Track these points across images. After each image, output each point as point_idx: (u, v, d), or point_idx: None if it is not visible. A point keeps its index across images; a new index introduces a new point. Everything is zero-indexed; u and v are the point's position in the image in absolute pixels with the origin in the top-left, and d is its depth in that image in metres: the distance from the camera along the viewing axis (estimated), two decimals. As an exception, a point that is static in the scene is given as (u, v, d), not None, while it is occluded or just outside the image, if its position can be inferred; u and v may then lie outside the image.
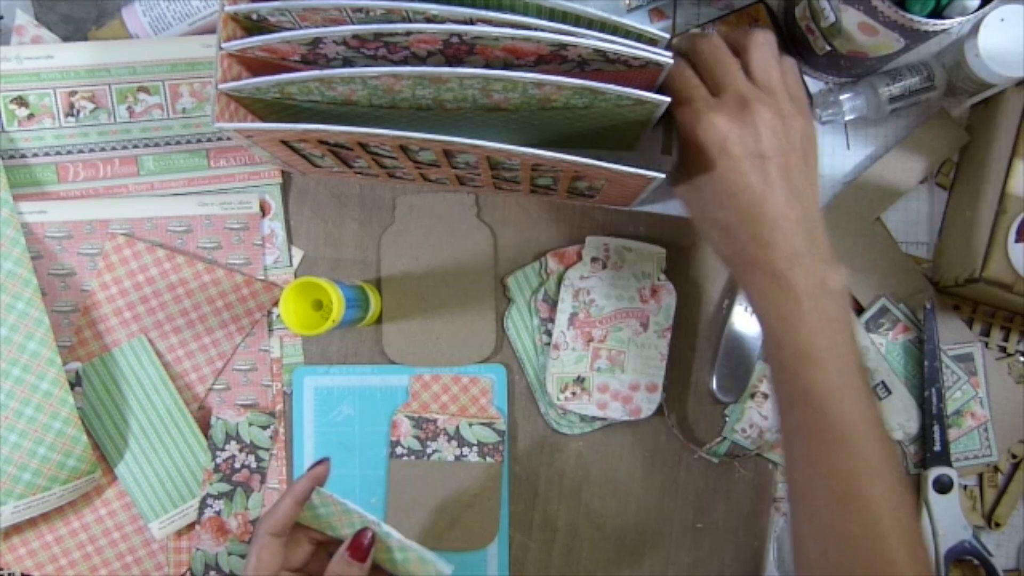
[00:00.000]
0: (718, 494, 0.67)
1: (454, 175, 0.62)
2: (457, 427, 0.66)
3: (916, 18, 0.54)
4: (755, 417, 0.67)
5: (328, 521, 0.52)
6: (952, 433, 0.66)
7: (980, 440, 0.66)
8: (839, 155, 0.68)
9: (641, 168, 0.54)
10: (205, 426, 0.66)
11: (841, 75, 0.67)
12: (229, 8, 0.53)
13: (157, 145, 0.67)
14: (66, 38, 0.67)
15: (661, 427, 0.67)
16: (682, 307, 0.67)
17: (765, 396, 0.67)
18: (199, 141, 0.67)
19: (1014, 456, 0.67)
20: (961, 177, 0.67)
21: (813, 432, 0.47)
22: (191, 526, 0.66)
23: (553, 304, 0.66)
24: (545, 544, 0.67)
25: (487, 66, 0.55)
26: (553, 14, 0.50)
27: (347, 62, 0.56)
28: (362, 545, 0.50)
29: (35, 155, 0.66)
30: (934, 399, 0.65)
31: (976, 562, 0.65)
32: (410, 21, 0.51)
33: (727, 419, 0.67)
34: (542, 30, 0.49)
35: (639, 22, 0.51)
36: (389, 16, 0.50)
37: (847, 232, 0.66)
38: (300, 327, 0.57)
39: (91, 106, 0.66)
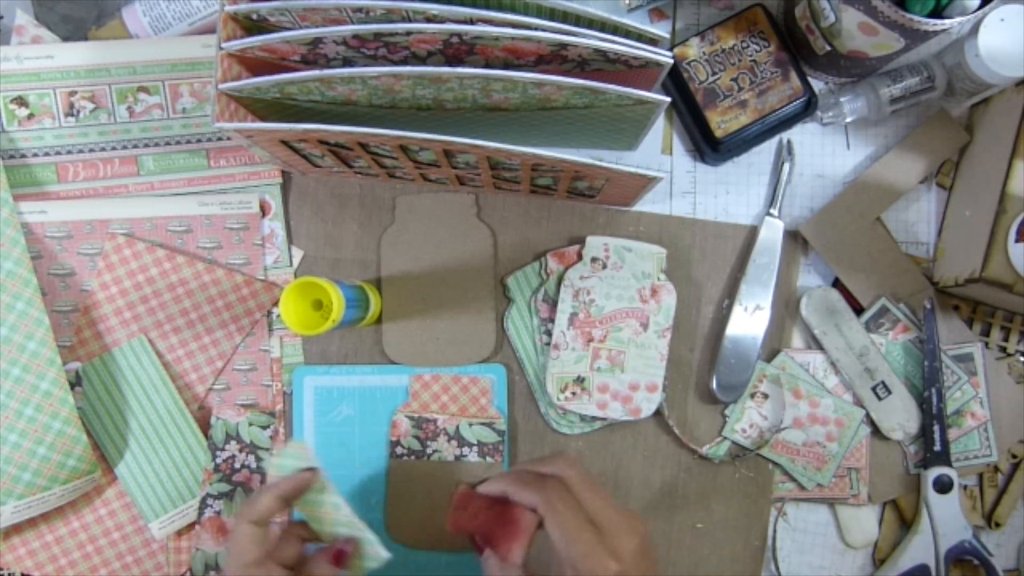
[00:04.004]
0: (718, 494, 0.67)
1: (454, 175, 0.62)
2: (457, 427, 0.66)
3: (916, 18, 0.54)
4: (755, 417, 0.67)
5: (317, 511, 0.52)
6: (952, 433, 0.66)
7: (980, 440, 0.66)
8: (839, 155, 0.68)
9: (641, 168, 0.54)
10: (205, 426, 0.66)
11: (841, 75, 0.67)
12: (229, 8, 0.53)
13: (157, 145, 0.67)
14: (66, 38, 0.67)
15: (661, 427, 0.67)
16: (682, 307, 0.67)
17: (765, 396, 0.67)
18: (199, 141, 0.67)
19: (1014, 456, 0.67)
20: (961, 177, 0.67)
21: None
22: (191, 526, 0.66)
23: (553, 304, 0.66)
24: (545, 544, 0.67)
25: (487, 66, 0.55)
26: (553, 14, 0.50)
27: (347, 62, 0.56)
28: (344, 554, 0.51)
29: (35, 155, 0.66)
30: (934, 399, 0.65)
31: (976, 562, 0.65)
32: (410, 21, 0.51)
33: (727, 419, 0.67)
34: (542, 30, 0.49)
35: (639, 22, 0.51)
36: (389, 16, 0.51)
37: (847, 232, 0.66)
38: (300, 327, 0.57)
39: (91, 106, 0.66)
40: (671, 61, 0.52)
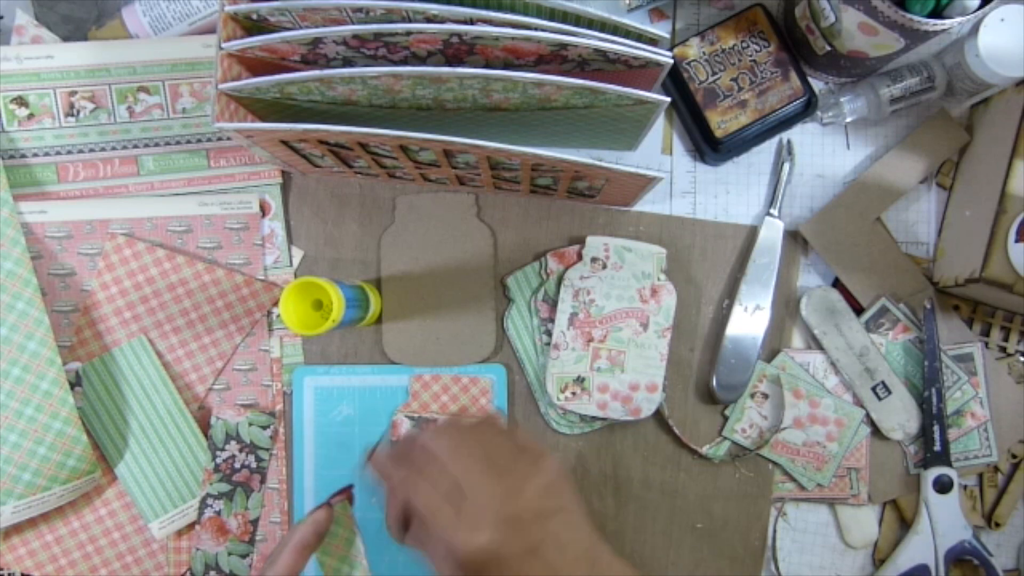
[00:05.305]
0: (718, 494, 0.67)
1: (454, 175, 0.62)
2: (457, 427, 0.66)
3: (916, 18, 0.54)
4: (755, 417, 0.67)
5: (328, 544, 0.51)
6: (952, 433, 0.66)
7: (980, 440, 0.66)
8: (839, 155, 0.68)
9: (641, 168, 0.54)
10: (205, 426, 0.66)
11: (841, 75, 0.67)
12: (229, 8, 0.53)
13: (157, 145, 0.67)
14: (66, 38, 0.67)
15: (661, 427, 0.67)
16: (682, 307, 0.67)
17: (765, 396, 0.67)
18: (199, 141, 0.67)
19: (1014, 456, 0.67)
20: (961, 177, 0.67)
21: None
22: (191, 526, 0.66)
23: (553, 304, 0.66)
24: (545, 544, 0.67)
25: (487, 66, 0.55)
26: (553, 14, 0.50)
27: (347, 62, 0.56)
28: None
29: (35, 155, 0.66)
30: (934, 399, 0.65)
31: (976, 562, 0.65)
32: (410, 21, 0.51)
33: (727, 419, 0.67)
34: (542, 30, 0.49)
35: (639, 22, 0.51)
36: (389, 16, 0.51)
37: (847, 232, 0.66)
38: (300, 327, 0.57)
39: (91, 106, 0.66)
40: (671, 61, 0.52)
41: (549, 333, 0.66)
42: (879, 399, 0.66)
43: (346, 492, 0.52)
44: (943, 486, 0.65)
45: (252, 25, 0.55)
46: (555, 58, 0.54)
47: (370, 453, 0.50)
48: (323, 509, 0.51)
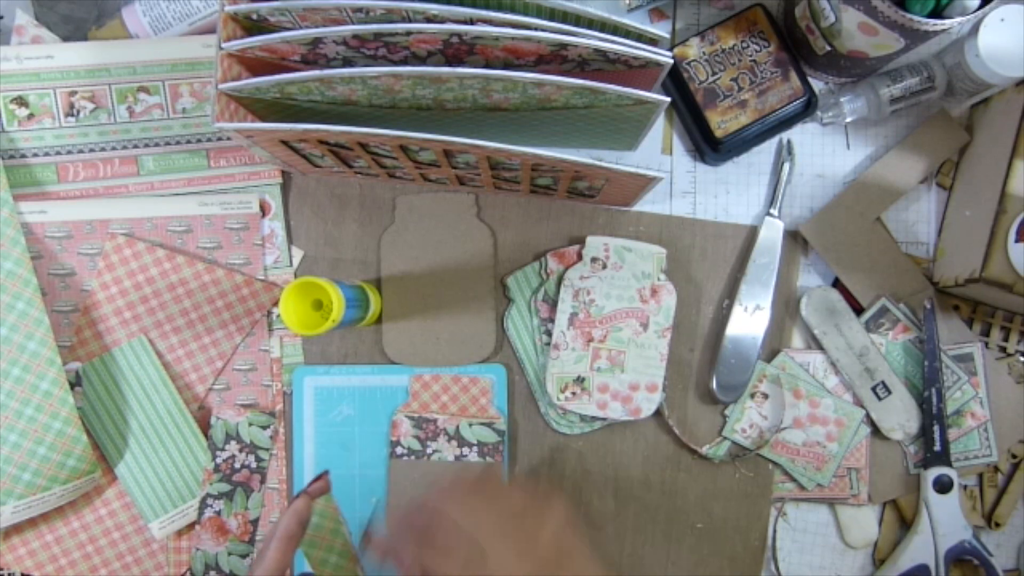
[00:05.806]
0: (718, 494, 0.67)
1: (454, 175, 0.62)
2: (457, 427, 0.66)
3: (916, 18, 0.54)
4: (755, 417, 0.67)
5: (313, 536, 0.51)
6: (952, 433, 0.66)
7: (980, 440, 0.66)
8: (839, 155, 0.68)
9: (641, 168, 0.54)
10: (205, 426, 0.66)
11: (841, 75, 0.67)
12: (229, 8, 0.53)
13: (157, 145, 0.67)
14: (66, 38, 0.67)
15: (661, 427, 0.67)
16: (682, 307, 0.67)
17: (765, 396, 0.67)
18: (199, 141, 0.67)
19: (1014, 456, 0.67)
20: (961, 177, 0.67)
21: None
22: (191, 526, 0.66)
23: (553, 304, 0.66)
24: (545, 544, 0.67)
25: (487, 66, 0.55)
26: (553, 14, 0.50)
27: (347, 62, 0.56)
28: None
29: (35, 155, 0.66)
30: (934, 399, 0.65)
31: (976, 562, 0.65)
32: (410, 21, 0.51)
33: (727, 419, 0.67)
34: (542, 30, 0.49)
35: (639, 22, 0.51)
36: (389, 16, 0.51)
37: (847, 232, 0.66)
38: (300, 327, 0.57)
39: (91, 106, 0.66)
40: (671, 61, 0.52)
41: (549, 333, 0.66)
42: (879, 399, 0.66)
43: (322, 478, 0.52)
44: (943, 486, 0.65)
45: (252, 25, 0.55)
46: (555, 58, 0.54)
47: (367, 534, 0.50)
48: (302, 498, 0.51)
